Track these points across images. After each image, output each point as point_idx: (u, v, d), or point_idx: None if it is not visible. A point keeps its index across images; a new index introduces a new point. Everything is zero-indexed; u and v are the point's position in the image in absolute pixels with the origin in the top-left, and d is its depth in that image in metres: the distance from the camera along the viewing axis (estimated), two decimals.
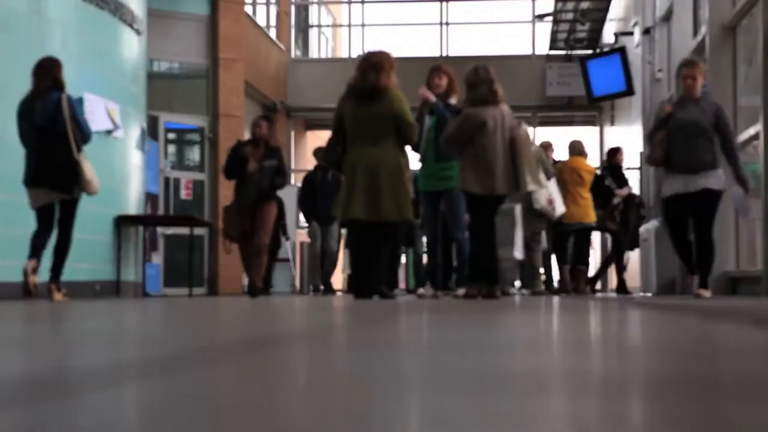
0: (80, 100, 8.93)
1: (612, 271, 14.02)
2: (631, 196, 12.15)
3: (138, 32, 11.35)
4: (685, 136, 7.75)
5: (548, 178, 7.91)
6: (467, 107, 7.62)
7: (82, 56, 9.83)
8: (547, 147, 12.48)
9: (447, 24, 21.29)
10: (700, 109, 7.78)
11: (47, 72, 7.71)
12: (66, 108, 7.57)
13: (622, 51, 16.47)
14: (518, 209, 9.69)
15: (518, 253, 10.16)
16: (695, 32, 12.58)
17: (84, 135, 7.76)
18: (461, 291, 7.85)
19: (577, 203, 11.45)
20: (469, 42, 26.87)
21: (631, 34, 16.71)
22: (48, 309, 4.62)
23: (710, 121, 7.73)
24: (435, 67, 8.64)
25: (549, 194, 10.63)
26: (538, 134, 19.70)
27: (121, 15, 10.81)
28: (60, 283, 7.80)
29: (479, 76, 7.55)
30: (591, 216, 11.57)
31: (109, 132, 10.48)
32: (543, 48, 20.12)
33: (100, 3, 10.29)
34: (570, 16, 18.34)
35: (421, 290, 8.79)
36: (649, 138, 8.24)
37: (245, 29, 16.64)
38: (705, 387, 1.21)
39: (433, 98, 8.26)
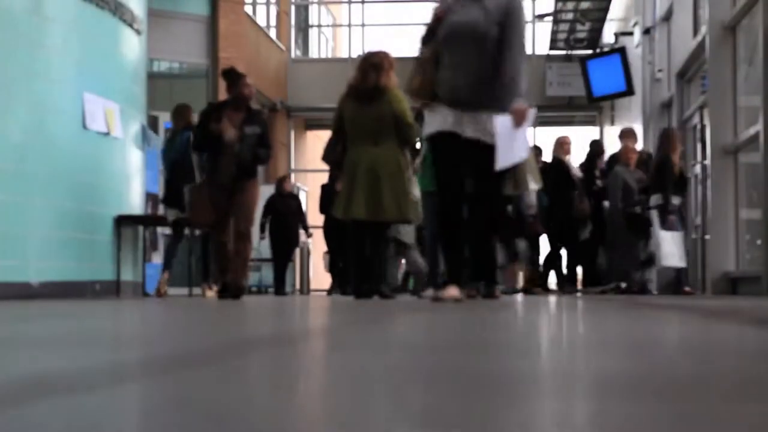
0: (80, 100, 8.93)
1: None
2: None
3: (138, 32, 11.34)
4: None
5: (536, 183, 7.84)
6: None
7: (81, 56, 9.82)
8: (536, 152, 12.56)
9: None
10: (480, 7, 5.85)
11: (181, 115, 10.18)
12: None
13: (622, 51, 16.47)
14: (510, 210, 9.66)
15: (500, 257, 10.23)
16: (695, 32, 12.58)
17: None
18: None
19: None
20: None
21: (631, 34, 16.72)
22: (48, 309, 4.63)
23: (496, 22, 5.82)
24: None
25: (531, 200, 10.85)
26: (538, 134, 19.72)
27: (121, 15, 10.80)
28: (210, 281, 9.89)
29: None
30: None
31: (107, 133, 10.48)
32: (543, 48, 20.13)
33: (100, 3, 10.28)
34: (570, 16, 18.35)
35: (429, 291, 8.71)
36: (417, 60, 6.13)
37: (245, 29, 16.65)
38: (704, 387, 1.21)
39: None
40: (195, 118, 9.24)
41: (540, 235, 11.84)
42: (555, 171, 11.50)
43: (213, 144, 8.05)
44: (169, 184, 9.98)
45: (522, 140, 5.91)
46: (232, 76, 8.24)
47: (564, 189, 11.44)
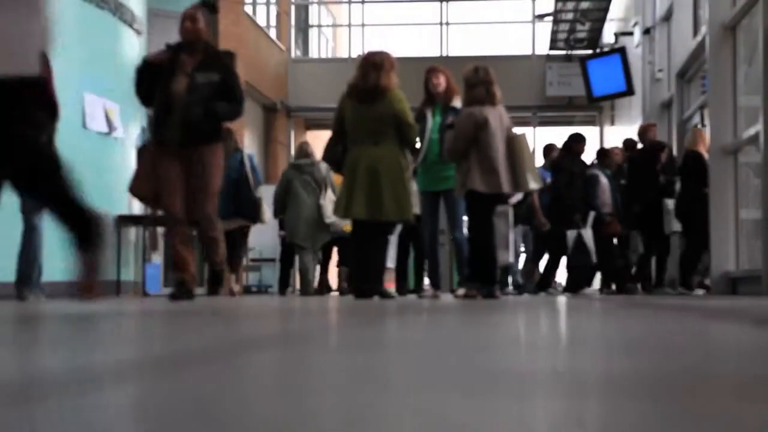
0: (82, 102, 8.91)
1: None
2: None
3: (138, 32, 11.35)
4: None
5: (536, 182, 7.78)
6: (465, 107, 7.63)
7: (82, 56, 9.82)
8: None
9: (447, 24, 21.30)
10: None
11: (230, 138, 10.26)
12: (247, 163, 10.44)
13: (622, 51, 16.48)
14: (511, 210, 9.64)
15: (510, 257, 9.98)
16: (695, 32, 12.58)
17: (257, 179, 10.61)
18: (461, 291, 7.85)
19: None
20: (469, 42, 26.86)
21: (631, 34, 16.72)
22: (48, 310, 4.63)
23: None
24: (431, 68, 8.60)
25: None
26: (538, 134, 19.73)
27: (121, 15, 10.81)
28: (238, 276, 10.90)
29: (478, 77, 7.56)
30: None
31: (107, 133, 10.48)
32: (543, 48, 20.13)
33: (100, 3, 10.29)
34: (570, 16, 18.36)
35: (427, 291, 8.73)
36: None
37: (245, 29, 16.64)
38: (704, 387, 1.21)
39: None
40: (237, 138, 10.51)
41: (619, 234, 11.29)
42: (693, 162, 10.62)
43: (159, 97, 6.49)
44: (232, 198, 10.66)
45: None
46: (211, 9, 6.98)
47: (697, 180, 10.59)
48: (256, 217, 10.70)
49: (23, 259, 7.48)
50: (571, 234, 11.04)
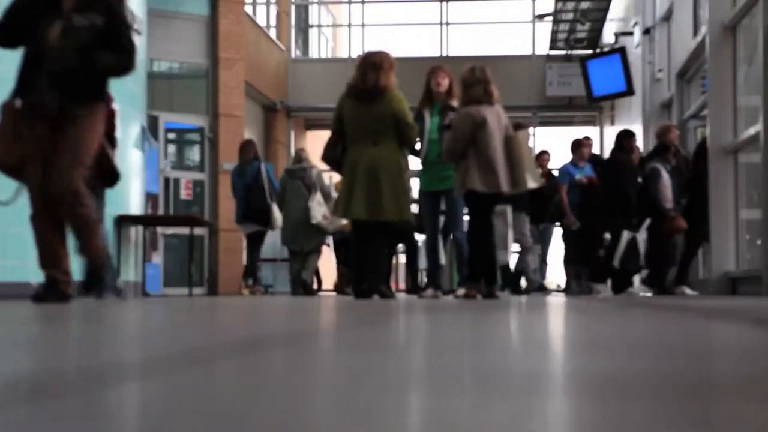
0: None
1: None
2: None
3: (138, 32, 11.34)
4: None
5: (535, 181, 7.71)
6: (462, 106, 7.63)
7: None
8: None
9: (447, 24, 21.30)
10: None
11: (248, 150, 12.23)
12: (264, 173, 11.94)
13: (622, 51, 16.48)
14: (509, 210, 9.57)
15: (507, 256, 9.84)
16: (695, 32, 12.58)
17: (273, 188, 11.93)
18: (461, 291, 7.85)
19: None
20: (469, 42, 26.89)
21: (631, 34, 16.72)
22: (48, 309, 4.62)
23: None
24: (436, 66, 8.62)
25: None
26: (538, 134, 19.73)
27: None
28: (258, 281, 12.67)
29: (475, 77, 7.56)
30: None
31: None
32: (543, 48, 20.13)
33: None
34: (570, 16, 18.35)
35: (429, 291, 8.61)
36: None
37: (245, 29, 16.64)
38: (704, 387, 1.21)
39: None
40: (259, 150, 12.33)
41: (682, 231, 10.70)
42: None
43: (28, 45, 5.33)
44: (246, 204, 11.94)
45: None
46: None
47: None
48: (268, 223, 11.90)
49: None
50: (627, 235, 10.62)
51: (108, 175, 6.11)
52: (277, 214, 11.82)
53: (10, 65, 5.72)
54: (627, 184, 10.64)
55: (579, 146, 12.04)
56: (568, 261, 12.15)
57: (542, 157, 12.46)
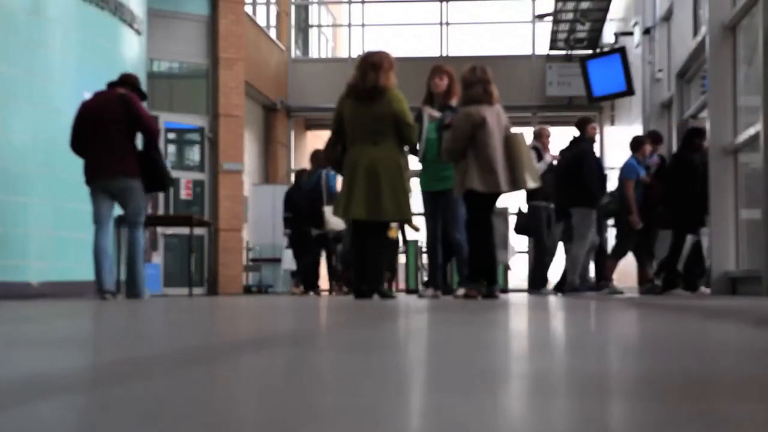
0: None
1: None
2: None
3: (138, 32, 11.35)
4: None
5: (534, 181, 7.63)
6: (462, 106, 7.63)
7: (82, 56, 9.82)
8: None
9: (447, 24, 21.30)
10: None
11: (317, 158, 12.76)
12: (324, 180, 12.84)
13: (622, 51, 16.48)
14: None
15: (507, 256, 9.68)
16: (695, 32, 12.58)
17: (331, 194, 12.53)
18: (461, 291, 7.85)
19: None
20: (469, 42, 26.87)
21: (631, 34, 16.72)
22: (48, 309, 4.63)
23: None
24: (437, 67, 8.63)
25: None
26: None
27: (121, 15, 10.80)
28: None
29: (475, 76, 7.56)
30: None
31: None
32: (543, 48, 20.13)
33: (100, 3, 10.29)
34: (570, 16, 18.36)
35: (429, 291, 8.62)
36: None
37: (245, 29, 16.64)
38: (704, 387, 1.21)
39: (437, 115, 8.23)
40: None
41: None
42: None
43: None
44: (310, 207, 12.92)
45: None
46: None
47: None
48: (319, 225, 12.95)
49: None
50: (692, 238, 10.38)
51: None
52: (328, 218, 12.44)
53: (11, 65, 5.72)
54: (698, 185, 10.28)
55: (641, 144, 11.36)
56: (616, 257, 11.32)
57: (542, 133, 11.66)
